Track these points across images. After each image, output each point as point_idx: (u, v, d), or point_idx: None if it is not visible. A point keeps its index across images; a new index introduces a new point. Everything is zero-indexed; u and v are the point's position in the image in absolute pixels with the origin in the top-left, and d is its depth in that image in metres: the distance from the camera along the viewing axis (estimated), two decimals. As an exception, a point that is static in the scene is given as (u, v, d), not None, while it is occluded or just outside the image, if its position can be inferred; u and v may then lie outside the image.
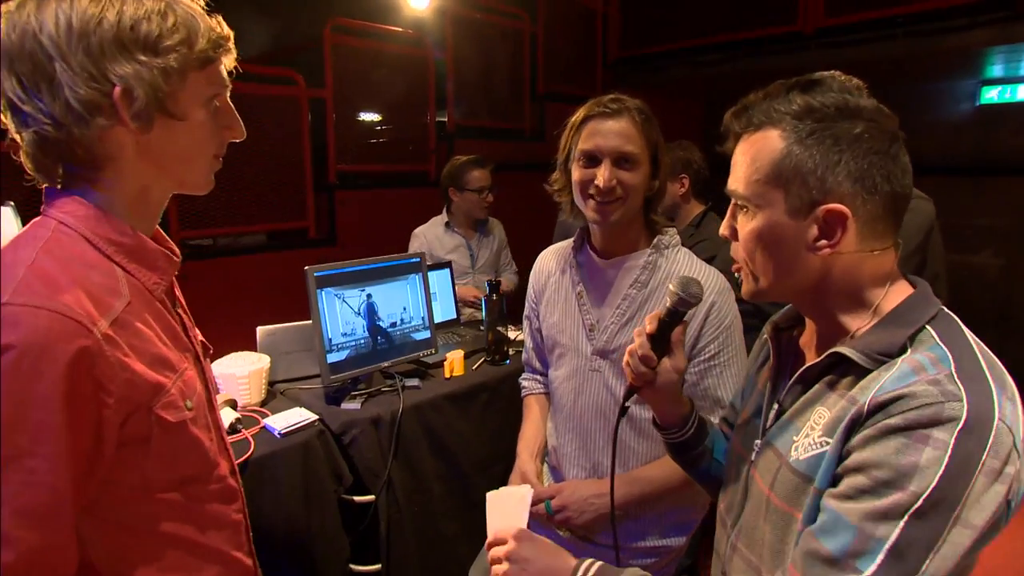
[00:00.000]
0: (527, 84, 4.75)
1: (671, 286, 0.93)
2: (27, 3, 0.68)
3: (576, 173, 1.27)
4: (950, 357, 0.68)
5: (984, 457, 0.62)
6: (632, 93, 1.31)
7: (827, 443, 0.73)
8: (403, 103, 4.09)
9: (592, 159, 1.24)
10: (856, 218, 0.73)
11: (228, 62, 0.81)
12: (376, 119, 4.12)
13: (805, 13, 4.08)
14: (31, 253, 0.69)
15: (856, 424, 0.68)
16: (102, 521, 0.74)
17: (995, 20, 3.52)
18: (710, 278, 1.26)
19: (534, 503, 1.32)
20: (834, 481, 0.70)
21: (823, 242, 0.75)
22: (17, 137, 0.73)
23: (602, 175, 1.21)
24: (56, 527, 0.66)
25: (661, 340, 0.94)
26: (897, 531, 0.62)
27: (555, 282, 1.44)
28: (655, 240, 1.32)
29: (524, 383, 1.61)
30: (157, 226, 0.85)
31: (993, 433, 0.63)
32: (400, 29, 4.05)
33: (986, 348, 0.73)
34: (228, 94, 0.82)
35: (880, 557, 0.63)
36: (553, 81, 4.91)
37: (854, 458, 0.67)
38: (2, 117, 0.73)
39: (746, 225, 0.80)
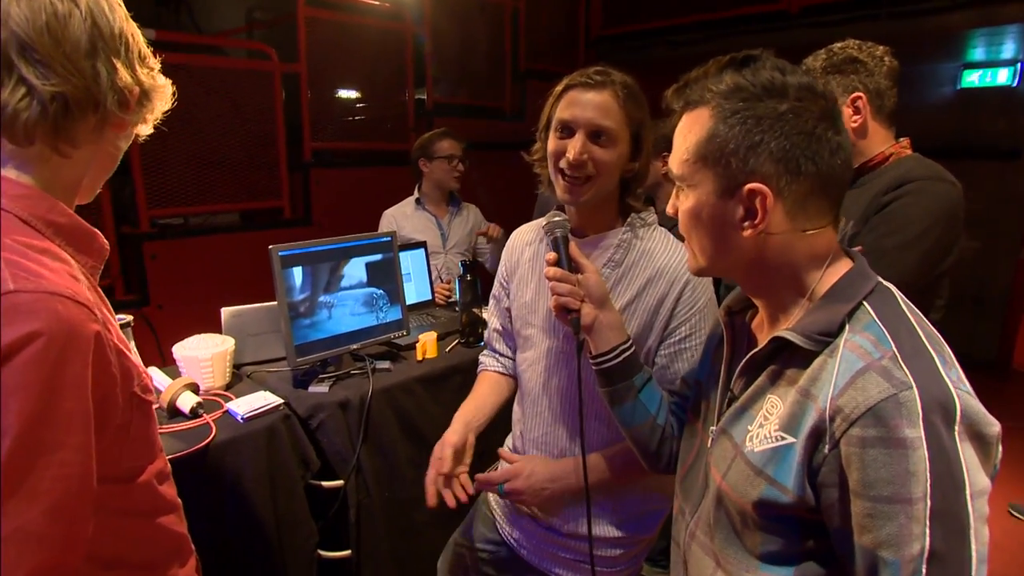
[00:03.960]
0: (508, 61, 4.67)
1: (542, 226, 1.15)
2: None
3: (551, 143, 1.21)
4: (888, 336, 0.69)
5: (957, 428, 0.62)
6: (613, 69, 1.25)
7: (784, 438, 0.72)
8: (381, 80, 4.00)
9: (567, 130, 1.19)
10: (781, 198, 0.73)
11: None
12: (353, 96, 4.02)
13: (791, -8, 4.04)
14: None
15: (821, 432, 0.68)
16: None
17: (976, 2, 3.51)
18: (686, 258, 1.23)
19: (485, 485, 1.28)
20: (812, 487, 0.70)
21: (747, 222, 0.75)
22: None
23: (573, 147, 1.16)
24: (83, 519, 0.65)
25: (567, 261, 1.10)
26: (928, 539, 0.61)
27: (529, 260, 1.39)
28: (629, 218, 1.28)
29: (482, 359, 1.55)
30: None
31: (958, 404, 0.63)
32: (377, 3, 3.95)
33: (921, 316, 0.74)
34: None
35: (924, 568, 0.62)
36: (534, 59, 4.83)
37: (852, 482, 0.66)
38: None
39: (682, 204, 0.82)
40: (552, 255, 1.10)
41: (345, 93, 3.97)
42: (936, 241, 1.46)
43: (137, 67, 0.76)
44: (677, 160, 0.81)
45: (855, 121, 1.49)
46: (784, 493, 0.71)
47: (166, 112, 0.84)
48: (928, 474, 0.61)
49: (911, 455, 0.62)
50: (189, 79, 3.14)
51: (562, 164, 1.18)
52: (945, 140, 4.64)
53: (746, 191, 0.74)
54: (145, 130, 0.83)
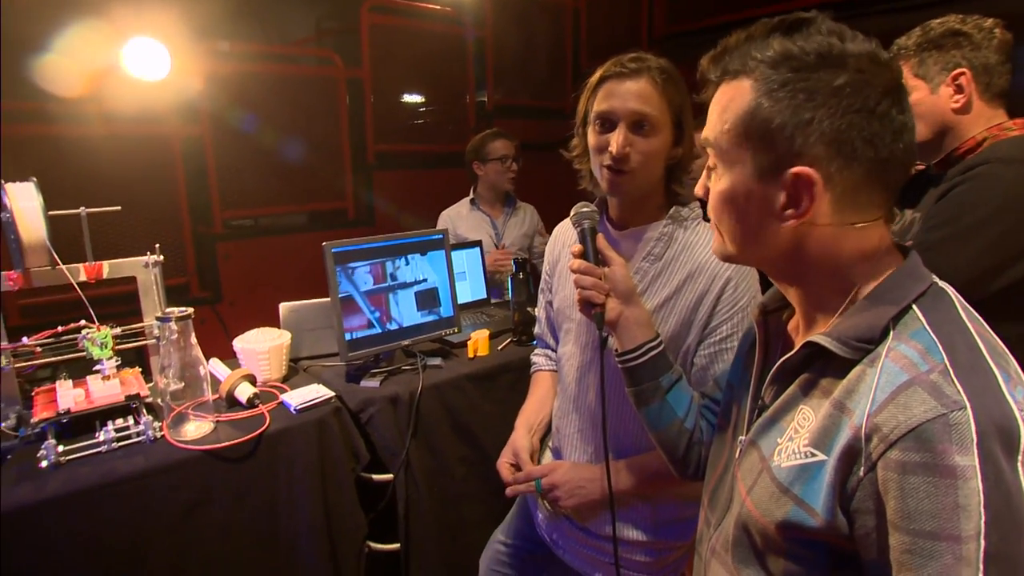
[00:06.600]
0: (569, 61, 4.63)
1: (570, 217, 1.11)
2: None
3: (591, 138, 1.18)
4: (940, 346, 0.60)
5: (1020, 457, 0.54)
6: (678, 69, 1.19)
7: (814, 455, 0.64)
8: (442, 83, 4.06)
9: (607, 123, 1.15)
10: (830, 186, 0.64)
11: None
12: (414, 99, 4.10)
13: (867, -23, 3.80)
14: None
15: (856, 452, 0.60)
16: None
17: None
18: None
19: (524, 480, 1.31)
20: (845, 512, 0.62)
21: (790, 211, 0.66)
22: None
23: (615, 140, 1.12)
24: None
25: (593, 254, 1.06)
26: None
27: (569, 253, 1.37)
28: (672, 210, 1.23)
29: (535, 359, 1.55)
30: None
31: (1023, 428, 0.54)
32: (438, 7, 4.00)
33: (985, 325, 0.64)
34: None
35: None
36: (596, 58, 4.73)
37: (889, 511, 0.57)
38: None
39: (715, 185, 0.73)
40: (577, 247, 1.07)
41: (407, 97, 4.05)
42: (1001, 235, 1.21)
43: None
44: (713, 135, 0.72)
45: (956, 101, 1.32)
46: (812, 516, 0.63)
47: None
48: (983, 510, 0.52)
49: (961, 486, 0.53)
50: (260, 86, 3.28)
51: (605, 159, 1.14)
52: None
53: (791, 175, 0.64)
54: None
